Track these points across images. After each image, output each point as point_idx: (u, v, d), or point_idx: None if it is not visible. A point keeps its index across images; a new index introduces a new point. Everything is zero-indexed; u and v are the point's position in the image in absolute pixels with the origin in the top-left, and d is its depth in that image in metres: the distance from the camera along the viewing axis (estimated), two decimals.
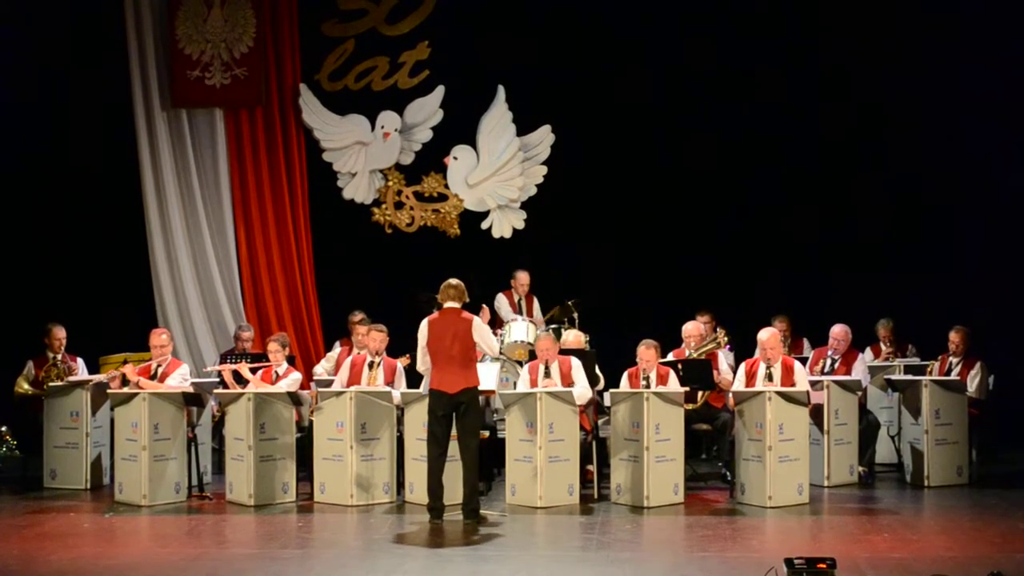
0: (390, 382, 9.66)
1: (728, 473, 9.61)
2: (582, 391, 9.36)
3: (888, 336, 11.17)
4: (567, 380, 9.40)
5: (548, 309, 12.09)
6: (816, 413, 9.54)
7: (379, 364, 9.71)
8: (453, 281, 8.85)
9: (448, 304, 8.78)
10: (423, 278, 11.41)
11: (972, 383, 10.13)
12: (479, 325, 8.76)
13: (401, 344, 10.42)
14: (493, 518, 8.69)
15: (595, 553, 7.67)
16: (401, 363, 9.94)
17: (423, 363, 8.79)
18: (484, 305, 9.43)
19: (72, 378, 10.26)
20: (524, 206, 12.99)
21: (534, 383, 9.43)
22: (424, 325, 8.79)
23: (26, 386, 10.41)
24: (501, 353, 11.01)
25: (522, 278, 12.11)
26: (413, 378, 9.70)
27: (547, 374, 9.42)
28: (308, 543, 8.17)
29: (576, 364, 9.51)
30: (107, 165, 12.69)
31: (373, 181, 13.06)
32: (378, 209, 13.07)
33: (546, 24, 12.67)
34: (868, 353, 11.10)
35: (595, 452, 9.57)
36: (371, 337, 9.87)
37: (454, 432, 8.72)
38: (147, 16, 12.69)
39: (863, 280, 12.15)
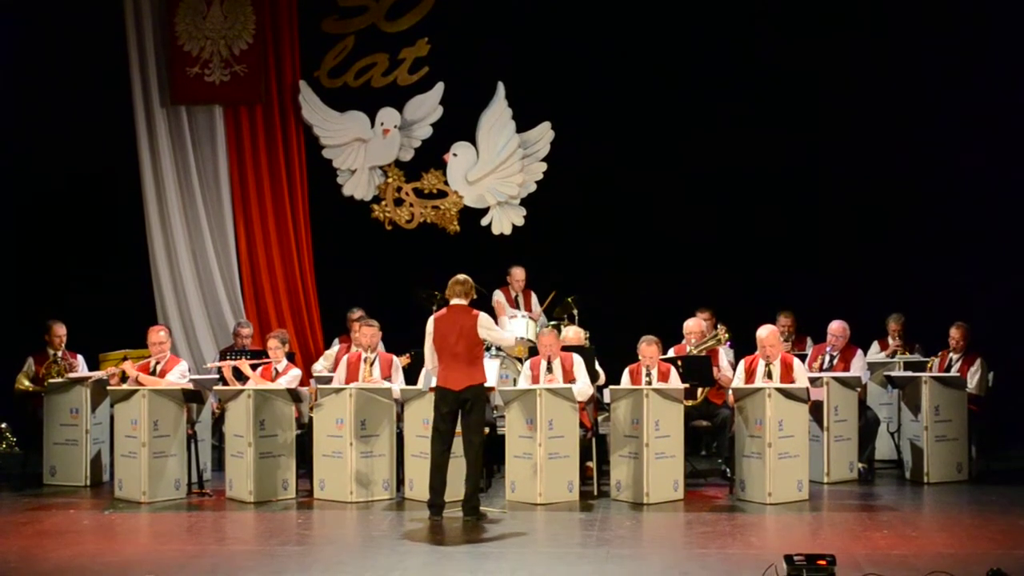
0: (387, 376, 9.65)
1: (728, 470, 9.60)
2: (583, 387, 9.37)
3: (898, 330, 11.10)
4: (569, 376, 9.41)
5: (545, 301, 12.10)
6: (816, 410, 9.54)
7: (374, 359, 9.70)
8: (460, 277, 8.81)
9: (455, 301, 8.75)
10: (423, 275, 11.42)
11: (972, 379, 10.13)
12: (485, 321, 8.72)
13: (401, 341, 10.42)
14: (493, 515, 8.69)
15: (595, 550, 7.67)
16: (402, 361, 9.94)
17: (431, 360, 8.77)
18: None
19: (72, 375, 10.26)
20: (524, 203, 12.98)
21: (536, 379, 9.43)
22: (430, 322, 8.78)
23: (26, 383, 10.42)
24: (500, 351, 11.00)
25: (517, 274, 12.11)
26: (412, 373, 9.69)
27: (549, 370, 9.42)
28: (308, 540, 8.17)
29: (578, 360, 9.51)
30: (107, 162, 12.67)
31: (373, 178, 13.05)
32: (378, 206, 13.06)
33: (546, 20, 12.65)
34: (875, 347, 11.09)
35: (595, 449, 9.57)
36: (362, 332, 9.88)
37: (458, 429, 8.71)
38: (146, 13, 12.67)
39: (863, 279, 12.15)
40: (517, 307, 12.00)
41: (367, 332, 9.80)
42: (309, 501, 9.35)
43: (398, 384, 9.63)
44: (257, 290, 12.88)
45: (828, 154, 12.43)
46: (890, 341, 11.15)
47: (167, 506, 9.22)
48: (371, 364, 9.67)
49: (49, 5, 12.46)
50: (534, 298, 12.20)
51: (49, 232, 12.69)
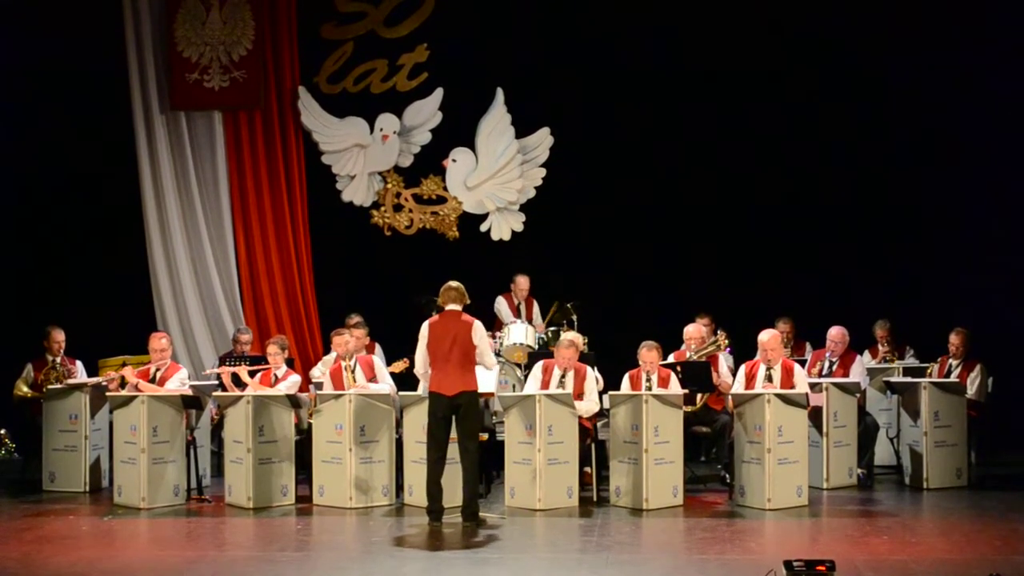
0: (371, 378, 9.63)
1: (727, 475, 9.60)
2: (589, 406, 9.34)
3: (885, 336, 11.17)
4: (578, 389, 9.36)
5: (547, 313, 12.10)
6: (815, 415, 9.54)
7: (354, 366, 9.70)
8: (453, 283, 8.83)
9: (449, 306, 8.77)
10: (422, 281, 11.41)
11: (972, 385, 10.13)
12: (479, 330, 8.73)
13: (400, 347, 10.41)
14: (492, 520, 8.69)
15: (594, 555, 7.67)
16: (399, 367, 9.94)
17: (422, 365, 8.78)
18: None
19: (71, 381, 10.25)
20: (523, 208, 12.99)
21: (546, 384, 9.40)
22: (425, 327, 8.79)
23: (25, 389, 10.41)
24: (499, 356, 11.00)
25: (521, 283, 12.12)
26: (410, 379, 9.68)
27: (561, 383, 9.38)
28: (307, 546, 8.17)
29: (590, 376, 9.46)
30: (106, 167, 12.70)
31: (372, 183, 13.06)
32: (377, 212, 13.07)
33: (545, 26, 12.68)
34: (866, 355, 11.10)
35: (594, 454, 9.56)
36: (335, 343, 9.93)
37: (453, 435, 8.72)
38: (146, 19, 12.70)
39: (863, 282, 12.16)
40: (519, 315, 12.00)
41: (339, 342, 9.86)
42: (308, 507, 9.33)
43: (387, 383, 9.63)
44: (256, 296, 12.88)
45: (828, 159, 12.44)
46: (879, 348, 11.17)
47: (166, 512, 9.21)
48: (352, 371, 9.66)
49: (49, 11, 12.47)
50: (536, 308, 12.20)
51: (48, 238, 12.70)
